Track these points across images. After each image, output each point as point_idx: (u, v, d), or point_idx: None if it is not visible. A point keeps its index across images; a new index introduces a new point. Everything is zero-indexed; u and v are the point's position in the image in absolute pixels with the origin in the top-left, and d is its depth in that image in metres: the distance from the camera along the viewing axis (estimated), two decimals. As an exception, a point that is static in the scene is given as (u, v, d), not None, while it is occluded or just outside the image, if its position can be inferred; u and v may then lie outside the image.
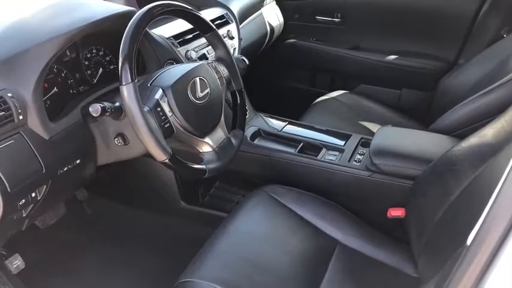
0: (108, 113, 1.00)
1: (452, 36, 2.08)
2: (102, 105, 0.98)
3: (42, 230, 1.54)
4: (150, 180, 1.62)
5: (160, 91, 1.05)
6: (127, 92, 0.95)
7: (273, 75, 2.53)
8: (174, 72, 1.11)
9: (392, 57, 2.16)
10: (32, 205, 1.04)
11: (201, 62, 1.19)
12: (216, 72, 1.21)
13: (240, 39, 1.76)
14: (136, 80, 0.96)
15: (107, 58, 1.31)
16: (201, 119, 1.13)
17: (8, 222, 1.00)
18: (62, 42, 1.03)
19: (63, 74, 1.17)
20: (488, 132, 1.07)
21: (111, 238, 1.72)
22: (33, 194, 1.01)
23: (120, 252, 1.66)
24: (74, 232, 1.69)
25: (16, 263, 1.29)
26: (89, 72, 1.26)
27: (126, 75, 0.95)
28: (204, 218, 1.67)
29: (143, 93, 1.04)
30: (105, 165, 1.21)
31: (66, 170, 1.07)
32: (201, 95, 1.13)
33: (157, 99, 1.03)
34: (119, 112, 1.02)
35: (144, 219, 1.75)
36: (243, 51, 1.77)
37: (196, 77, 1.12)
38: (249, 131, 1.62)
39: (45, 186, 1.03)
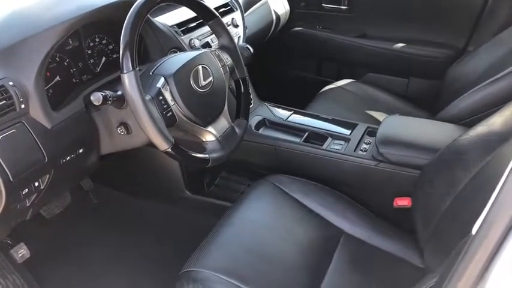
0: (110, 102, 0.99)
1: (461, 23, 2.06)
2: (103, 93, 0.97)
3: (48, 219, 1.55)
4: (155, 169, 1.62)
5: (162, 79, 1.04)
6: (128, 80, 0.94)
7: (279, 64, 2.51)
8: (176, 60, 1.10)
9: (400, 45, 2.14)
10: (35, 194, 1.04)
11: (204, 50, 1.18)
12: (219, 61, 1.20)
13: (245, 27, 1.74)
14: (137, 68, 0.95)
15: (110, 47, 1.30)
16: (204, 107, 1.12)
17: (12, 211, 1.01)
18: (63, 30, 1.02)
19: (65, 63, 1.16)
20: (497, 121, 1.05)
21: (117, 227, 1.72)
22: (36, 184, 1.01)
23: (125, 241, 1.67)
24: (79, 221, 1.70)
25: (21, 252, 1.30)
26: (91, 61, 1.25)
27: (127, 63, 0.94)
28: (209, 208, 1.67)
29: (145, 81, 1.03)
30: (109, 155, 1.20)
31: (69, 159, 1.07)
32: (203, 83, 1.11)
33: (159, 88, 1.02)
34: (121, 101, 1.01)
35: (149, 208, 1.75)
36: (248, 39, 1.75)
37: (198, 65, 1.11)
38: (254, 120, 1.61)
39: (48, 176, 1.03)
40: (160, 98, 1.02)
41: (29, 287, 1.41)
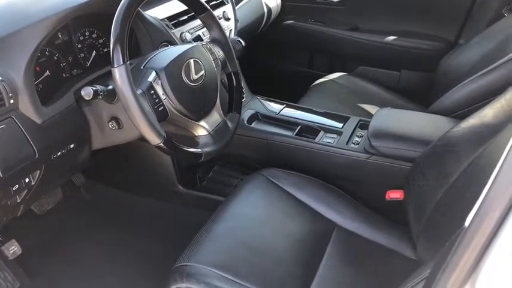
0: (100, 97, 0.98)
1: (452, 15, 2.06)
2: (94, 88, 0.96)
3: (40, 216, 1.53)
4: (147, 164, 1.61)
5: (153, 73, 1.03)
6: (119, 74, 0.93)
7: (271, 57, 2.50)
8: (168, 54, 1.09)
9: (392, 38, 2.14)
10: (26, 190, 1.03)
11: (195, 44, 1.17)
12: (210, 54, 1.19)
13: (236, 20, 1.72)
14: (128, 62, 0.94)
15: (100, 41, 1.29)
16: (196, 101, 1.12)
17: (2, 208, 1.00)
18: (51, 23, 1.01)
19: (55, 57, 1.15)
20: (488, 113, 1.05)
21: (109, 223, 1.71)
22: (27, 179, 1.01)
23: (118, 237, 1.66)
24: (71, 217, 1.69)
25: (13, 248, 1.29)
26: (82, 55, 1.24)
27: (117, 57, 0.93)
28: (202, 203, 1.66)
29: (136, 75, 1.03)
30: (101, 150, 1.20)
31: (60, 154, 1.06)
32: (195, 77, 1.11)
33: (151, 82, 1.01)
34: (112, 95, 1.00)
35: (141, 204, 1.74)
36: (240, 33, 1.74)
37: (190, 58, 1.10)
38: (246, 114, 1.60)
39: (38, 171, 1.03)
40: (152, 92, 1.01)
41: (20, 283, 1.40)
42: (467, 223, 0.52)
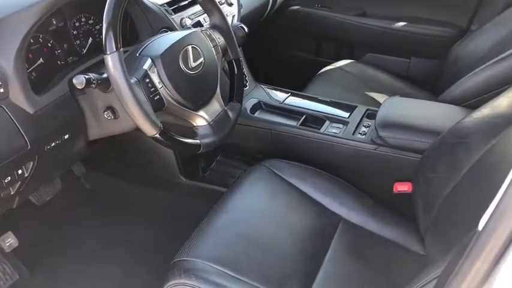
0: (94, 85, 0.94)
1: (464, 1, 2.01)
2: (87, 76, 0.92)
3: (39, 207, 1.51)
4: (148, 154, 1.58)
5: (149, 61, 0.99)
6: (112, 61, 0.89)
7: (276, 44, 2.46)
8: (165, 40, 1.05)
9: (401, 24, 2.10)
10: (19, 182, 1.00)
11: (194, 29, 1.13)
12: (210, 40, 1.15)
13: (239, 5, 1.68)
14: (121, 49, 0.90)
15: (97, 27, 1.24)
16: (194, 90, 1.08)
17: (-4, 200, 0.97)
18: (42, 8, 0.96)
19: (49, 44, 1.11)
20: (502, 103, 1.01)
21: (109, 214, 1.69)
22: (20, 171, 0.98)
23: (118, 228, 1.64)
24: (71, 208, 1.67)
25: (9, 241, 1.27)
26: (77, 42, 1.20)
27: (110, 44, 0.89)
28: (205, 194, 1.64)
29: (131, 63, 0.99)
30: (99, 140, 1.16)
31: (54, 145, 1.03)
32: (193, 64, 1.07)
33: (146, 70, 0.97)
34: (107, 84, 0.96)
35: (143, 194, 1.72)
36: (243, 18, 1.69)
37: (188, 45, 1.06)
38: (249, 103, 1.56)
39: (31, 163, 0.99)
40: (147, 80, 0.97)
41: (19, 275, 1.38)
42: (481, 226, 0.48)
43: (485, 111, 1.06)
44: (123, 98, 0.90)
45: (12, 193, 1.01)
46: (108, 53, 0.89)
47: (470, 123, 1.07)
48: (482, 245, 0.46)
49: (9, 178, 0.95)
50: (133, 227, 1.64)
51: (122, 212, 1.71)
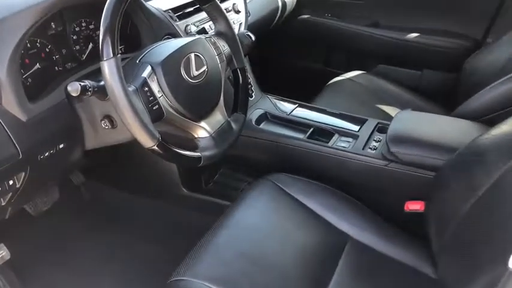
0: (89, 93, 0.90)
1: (479, 12, 1.98)
2: (82, 83, 0.88)
3: (34, 217, 1.47)
4: (149, 164, 1.54)
5: (148, 68, 0.94)
6: (108, 68, 0.84)
7: (284, 54, 2.44)
8: (166, 47, 1.01)
9: (414, 35, 2.07)
10: (10, 193, 0.96)
11: (197, 36, 1.08)
12: (215, 48, 1.11)
13: (247, 13, 1.65)
14: (119, 55, 0.86)
15: (98, 32, 1.20)
16: (196, 100, 1.03)
17: (-14, 211, 0.93)
18: (38, 12, 0.93)
19: (47, 49, 1.07)
20: (523, 119, 0.96)
21: (108, 225, 1.66)
22: (11, 182, 0.94)
23: (116, 241, 1.61)
24: (69, 219, 1.65)
25: (1, 253, 1.22)
26: (77, 47, 1.15)
27: (107, 49, 0.84)
28: (207, 207, 1.59)
29: (130, 70, 0.95)
30: (97, 149, 1.12)
31: (48, 155, 0.99)
32: (196, 73, 1.02)
33: (145, 78, 0.93)
34: (104, 92, 0.92)
35: (143, 206, 1.68)
36: (251, 27, 1.66)
37: (191, 53, 1.02)
38: (255, 114, 1.52)
39: (23, 173, 0.95)
40: (146, 89, 0.92)
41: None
42: (511, 264, 0.42)
43: (504, 127, 1.01)
44: (119, 107, 0.85)
45: (3, 204, 0.98)
46: (105, 59, 0.84)
47: (487, 140, 1.02)
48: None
49: None
50: (132, 241, 1.60)
51: (121, 224, 1.67)
